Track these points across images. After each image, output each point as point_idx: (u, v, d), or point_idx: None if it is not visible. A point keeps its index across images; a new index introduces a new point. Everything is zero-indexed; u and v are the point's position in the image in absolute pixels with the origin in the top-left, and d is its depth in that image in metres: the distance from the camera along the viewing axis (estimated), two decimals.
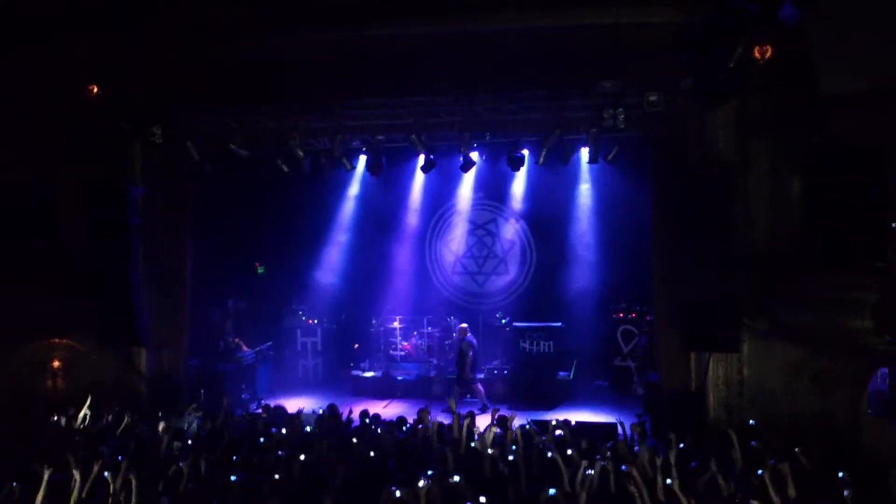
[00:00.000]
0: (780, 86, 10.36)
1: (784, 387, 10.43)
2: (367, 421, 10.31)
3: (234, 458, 8.43)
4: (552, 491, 6.67)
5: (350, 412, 10.59)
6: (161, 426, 9.78)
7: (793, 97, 10.24)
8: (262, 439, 9.27)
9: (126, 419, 10.26)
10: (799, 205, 10.49)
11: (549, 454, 7.96)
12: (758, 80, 10.21)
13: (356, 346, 16.14)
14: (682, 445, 8.28)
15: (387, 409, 13.56)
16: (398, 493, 6.73)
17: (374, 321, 16.04)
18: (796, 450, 7.76)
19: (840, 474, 7.15)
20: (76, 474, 7.24)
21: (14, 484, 7.36)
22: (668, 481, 7.03)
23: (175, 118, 11.87)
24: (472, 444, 8.76)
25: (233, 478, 7.53)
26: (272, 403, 11.66)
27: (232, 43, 11.34)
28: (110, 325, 12.19)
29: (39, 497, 7.00)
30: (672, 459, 7.44)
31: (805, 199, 10.44)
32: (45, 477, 7.12)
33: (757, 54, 9.28)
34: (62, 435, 9.76)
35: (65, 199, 12.41)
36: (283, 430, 9.52)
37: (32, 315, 12.02)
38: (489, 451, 8.17)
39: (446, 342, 15.53)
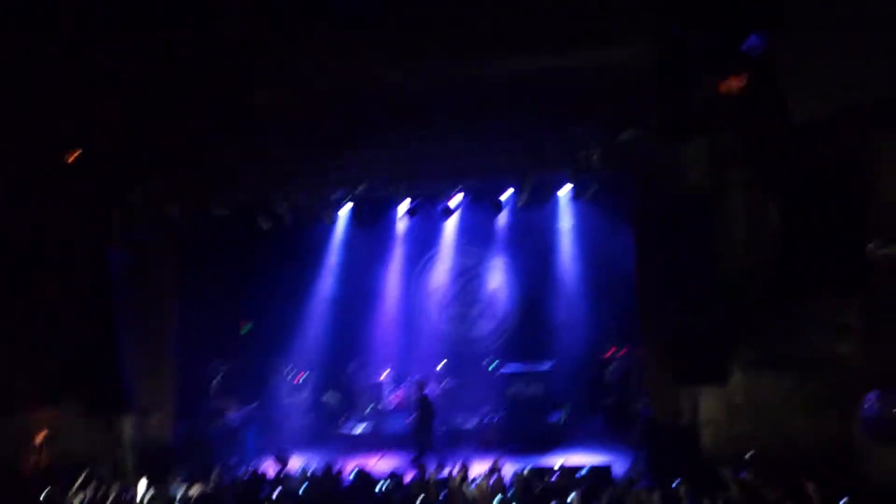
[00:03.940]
0: (751, 116, 10.48)
1: (777, 415, 10.36)
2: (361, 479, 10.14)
3: None
4: None
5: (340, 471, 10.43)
6: (149, 495, 9.59)
7: (764, 127, 10.38)
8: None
9: (115, 489, 10.06)
10: (778, 232, 10.57)
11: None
12: (728, 112, 10.36)
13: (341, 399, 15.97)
14: (676, 482, 8.19)
15: (380, 464, 13.37)
16: None
17: (360, 374, 15.95)
18: (802, 481, 7.67)
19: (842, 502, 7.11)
20: None
21: None
22: None
23: (153, 180, 11.92)
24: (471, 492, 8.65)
25: None
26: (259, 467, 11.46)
27: (209, 102, 11.43)
28: (94, 392, 11.98)
29: None
30: (663, 499, 7.37)
31: (784, 226, 10.54)
32: None
33: (724, 88, 9.43)
34: None
35: (42, 263, 12.30)
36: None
37: (10, 386, 11.82)
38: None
39: (436, 391, 15.41)
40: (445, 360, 15.83)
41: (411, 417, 13.90)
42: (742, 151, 10.80)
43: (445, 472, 9.56)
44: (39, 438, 12.31)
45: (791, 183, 10.47)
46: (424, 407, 13.54)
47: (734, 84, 9.41)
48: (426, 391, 13.81)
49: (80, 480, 10.30)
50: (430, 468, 10.40)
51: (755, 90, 9.79)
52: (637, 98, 10.02)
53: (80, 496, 10.11)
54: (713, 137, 10.76)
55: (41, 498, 10.05)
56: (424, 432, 13.39)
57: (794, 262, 10.35)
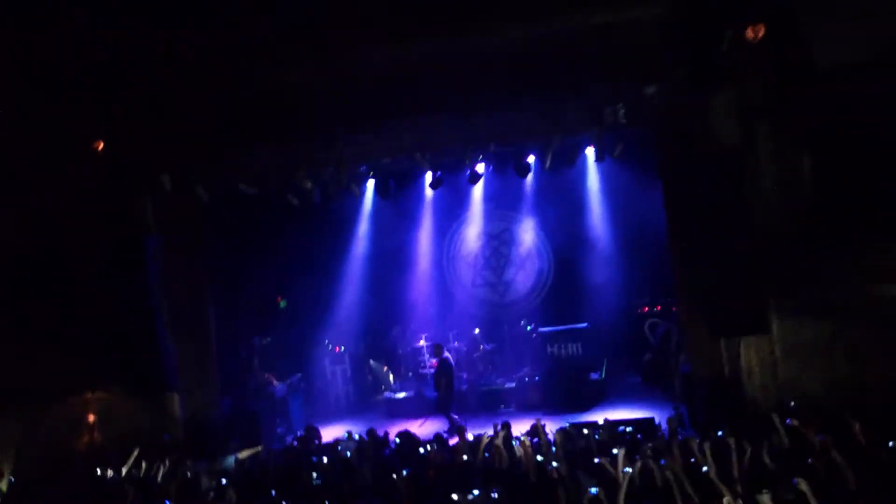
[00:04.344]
0: (778, 65, 10.32)
1: (819, 362, 10.31)
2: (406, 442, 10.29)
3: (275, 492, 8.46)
4: (594, 490, 6.66)
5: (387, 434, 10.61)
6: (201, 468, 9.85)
7: (791, 75, 10.21)
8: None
9: (167, 464, 10.34)
10: (810, 180, 10.44)
11: (596, 459, 7.89)
12: (754, 62, 10.20)
13: (385, 368, 16.20)
14: (720, 433, 8.22)
15: (423, 428, 13.57)
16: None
17: (401, 341, 16.14)
18: (849, 421, 7.66)
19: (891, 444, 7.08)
20: None
21: None
22: (705, 469, 6.98)
23: (181, 164, 12.04)
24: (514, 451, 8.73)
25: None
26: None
27: (232, 83, 11.50)
28: (140, 373, 12.25)
29: None
30: (710, 448, 7.40)
31: (815, 173, 10.40)
32: None
33: (750, 35, 9.29)
34: (109, 488, 9.83)
35: (82, 253, 12.52)
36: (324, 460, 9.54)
37: (62, 371, 12.11)
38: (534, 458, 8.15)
39: (474, 355, 15.55)
40: (477, 330, 15.96)
41: (434, 382, 13.95)
42: (769, 101, 10.62)
43: (489, 432, 9.65)
44: (91, 419, 12.68)
45: (819, 130, 10.32)
46: (443, 369, 13.63)
47: (760, 31, 9.28)
48: (444, 354, 13.84)
49: (132, 457, 10.61)
50: (473, 429, 10.53)
51: (780, 37, 9.64)
52: (661, 51, 9.89)
53: (134, 472, 10.42)
54: (740, 87, 10.59)
55: (97, 474, 10.37)
56: (447, 394, 13.53)
57: (828, 207, 10.23)
